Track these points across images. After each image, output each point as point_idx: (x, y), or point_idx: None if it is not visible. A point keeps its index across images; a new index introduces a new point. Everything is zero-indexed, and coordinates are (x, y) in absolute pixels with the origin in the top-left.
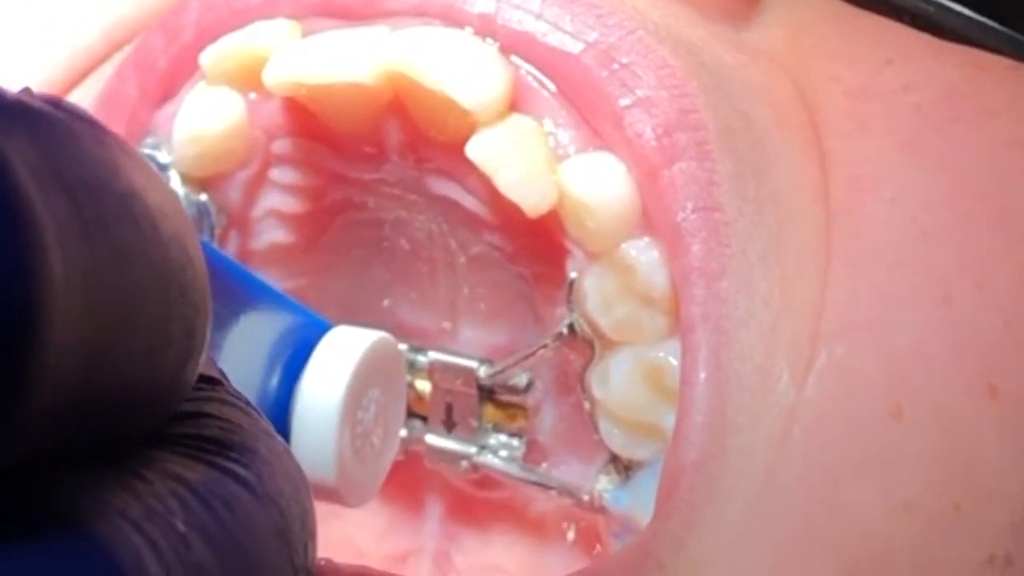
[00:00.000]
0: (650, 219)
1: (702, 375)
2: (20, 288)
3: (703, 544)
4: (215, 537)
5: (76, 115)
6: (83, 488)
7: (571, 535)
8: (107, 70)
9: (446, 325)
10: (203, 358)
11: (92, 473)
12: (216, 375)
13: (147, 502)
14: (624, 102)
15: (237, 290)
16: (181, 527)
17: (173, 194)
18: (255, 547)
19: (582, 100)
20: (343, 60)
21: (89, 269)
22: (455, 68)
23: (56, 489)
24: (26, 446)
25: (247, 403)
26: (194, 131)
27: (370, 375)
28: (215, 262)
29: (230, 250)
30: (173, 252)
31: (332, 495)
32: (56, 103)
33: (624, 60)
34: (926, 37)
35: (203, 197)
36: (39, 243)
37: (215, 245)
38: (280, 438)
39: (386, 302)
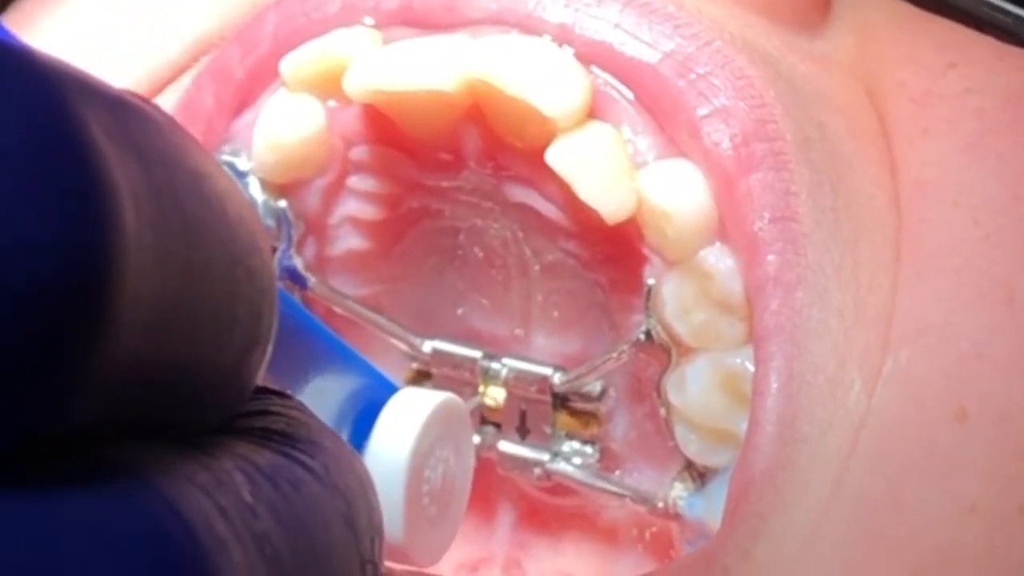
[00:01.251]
0: (726, 227)
1: (774, 386)
2: (94, 236)
3: (770, 552)
4: (282, 513)
5: (148, 102)
6: (151, 454)
7: (643, 543)
8: (184, 82)
9: (519, 332)
10: (269, 352)
11: (160, 446)
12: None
13: (215, 473)
14: (701, 111)
15: (309, 346)
16: (248, 498)
17: (240, 188)
18: (321, 529)
19: (659, 109)
20: (424, 67)
21: (159, 234)
22: (536, 75)
23: (125, 452)
24: (96, 401)
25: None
26: (274, 138)
27: (437, 435)
28: (291, 314)
29: (307, 257)
30: (241, 235)
31: (401, 555)
32: (130, 93)
33: (701, 70)
34: (990, 40)
35: (282, 204)
36: (113, 196)
37: (292, 252)
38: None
39: (460, 310)
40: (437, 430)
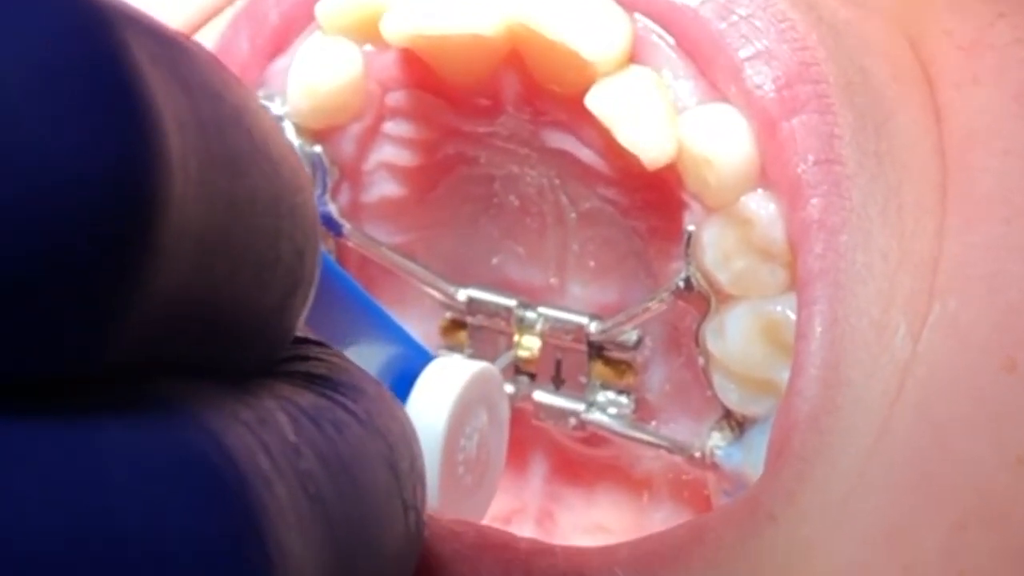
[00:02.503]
0: (769, 173)
1: (818, 329)
2: (141, 159)
3: (814, 497)
4: (325, 454)
5: (191, 40)
6: (195, 390)
7: (678, 495)
8: (219, 25)
9: (554, 281)
10: (311, 295)
11: (203, 384)
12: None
13: (258, 411)
14: (744, 54)
15: (348, 311)
16: (292, 437)
17: (282, 129)
18: (364, 471)
19: (700, 53)
20: (463, 11)
21: (204, 164)
22: (576, 20)
23: (169, 387)
24: (140, 333)
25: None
26: (310, 83)
27: (473, 404)
28: (331, 278)
29: (342, 203)
30: (284, 172)
31: None
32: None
33: (743, 12)
34: None
35: (317, 149)
36: (159, 122)
37: (327, 198)
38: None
39: (494, 259)
40: (473, 400)
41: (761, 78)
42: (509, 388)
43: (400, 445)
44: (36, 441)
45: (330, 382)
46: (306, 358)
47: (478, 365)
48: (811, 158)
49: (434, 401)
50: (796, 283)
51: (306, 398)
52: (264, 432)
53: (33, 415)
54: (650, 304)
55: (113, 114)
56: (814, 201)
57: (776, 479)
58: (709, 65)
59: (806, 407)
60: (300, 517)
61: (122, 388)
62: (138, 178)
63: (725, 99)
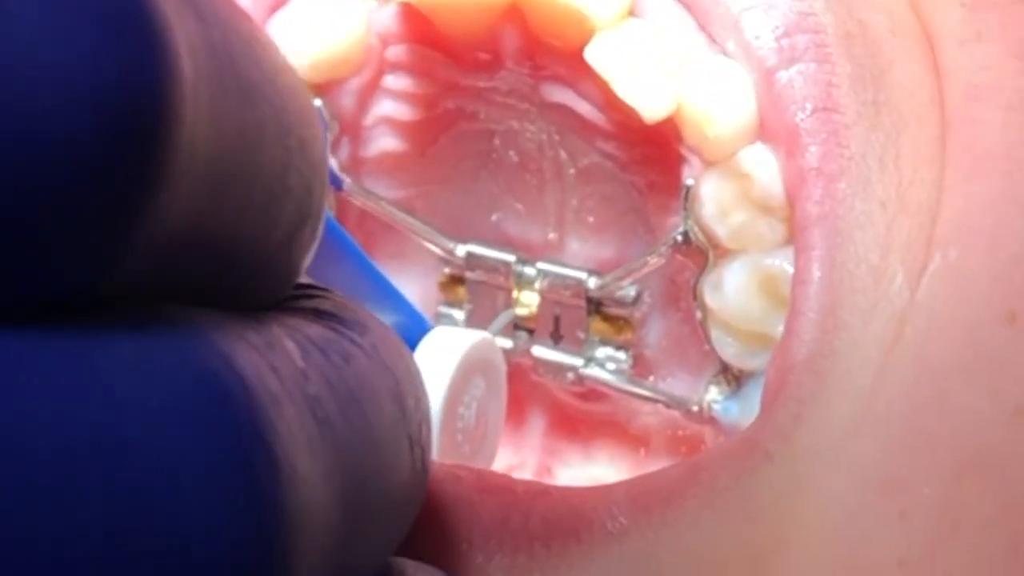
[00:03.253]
0: (767, 125)
1: (816, 274)
2: (153, 77)
3: (810, 438)
4: (332, 381)
5: None
6: (204, 314)
7: (675, 450)
8: None
9: (553, 237)
10: (319, 233)
11: (212, 311)
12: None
13: (266, 336)
14: (742, 4)
15: (348, 275)
16: (300, 362)
17: (291, 63)
18: (371, 402)
19: (699, 5)
20: None
21: (215, 90)
22: None
23: (178, 311)
24: (151, 256)
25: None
26: (310, 37)
27: (471, 374)
28: (334, 239)
29: (341, 158)
30: (293, 105)
31: None
32: None
33: None
34: None
35: (317, 103)
36: (171, 43)
37: (327, 152)
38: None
39: (494, 215)
40: (470, 370)
41: (759, 28)
42: (507, 343)
43: (406, 381)
44: (43, 354)
45: (337, 318)
46: (312, 296)
47: (476, 335)
48: (809, 107)
49: (432, 371)
50: (794, 229)
51: (313, 329)
52: (272, 355)
53: (41, 332)
54: (648, 258)
55: (126, 32)
56: (812, 149)
57: (772, 419)
58: (707, 17)
59: (803, 350)
60: (309, 438)
61: (131, 309)
62: (149, 97)
63: (724, 52)
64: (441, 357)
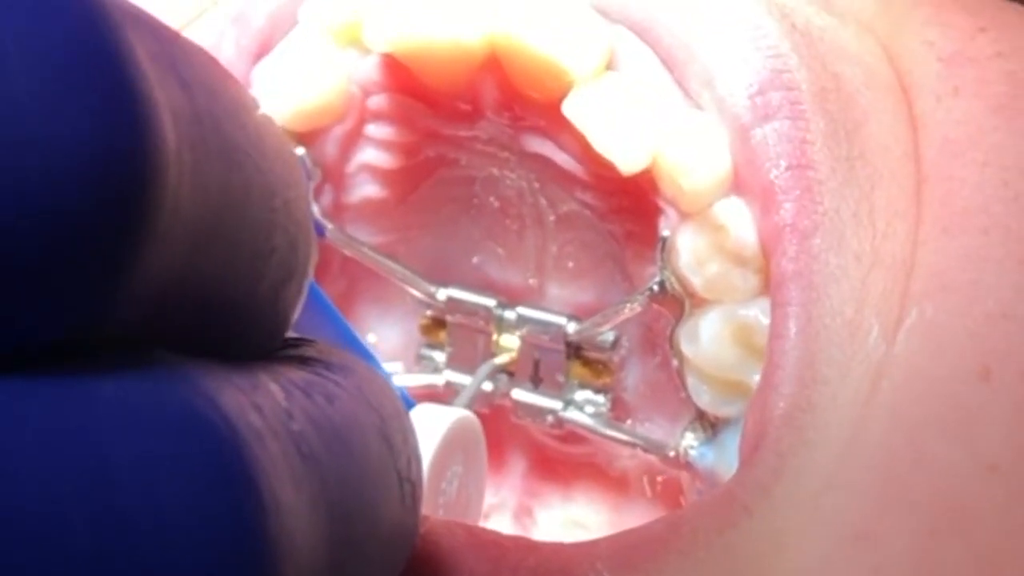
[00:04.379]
0: (742, 179)
1: (793, 329)
2: (135, 140)
3: (788, 492)
4: (317, 419)
5: (191, 40)
6: (191, 359)
7: (653, 492)
8: (201, 25)
9: (533, 282)
10: (304, 289)
11: (197, 358)
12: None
13: (250, 379)
14: (717, 60)
15: (325, 337)
16: (284, 402)
17: (277, 126)
18: (356, 438)
19: (675, 61)
20: (443, 19)
21: (199, 153)
22: (553, 28)
23: (163, 355)
24: (138, 306)
25: None
26: (293, 86)
27: (453, 451)
28: (315, 306)
29: (324, 204)
30: (279, 167)
31: None
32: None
33: (716, 21)
34: (1017, 7)
35: (300, 151)
36: (154, 112)
37: (310, 199)
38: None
39: (474, 259)
40: (452, 448)
41: (733, 85)
42: (488, 386)
43: (392, 419)
44: (33, 394)
45: (321, 363)
46: (298, 346)
47: (456, 412)
48: (783, 163)
49: None
50: (769, 285)
51: (297, 374)
52: (256, 395)
53: (31, 375)
54: (626, 306)
55: (110, 103)
56: (787, 206)
57: (751, 472)
58: (683, 72)
59: (782, 403)
60: (293, 472)
61: (119, 354)
62: (132, 164)
63: (699, 107)
64: (422, 437)
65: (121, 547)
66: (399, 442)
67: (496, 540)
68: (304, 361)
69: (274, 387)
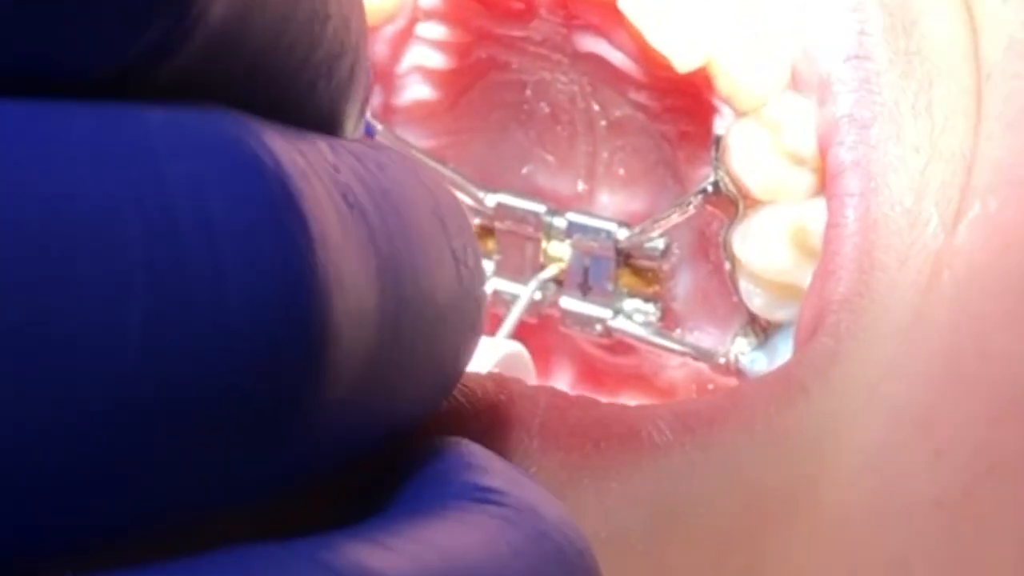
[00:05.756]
0: (799, 73)
1: (851, 217)
2: None
3: (846, 375)
4: (365, 179)
5: None
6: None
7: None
8: None
9: (583, 189)
10: (359, 75)
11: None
12: None
13: (296, 132)
14: None
15: None
16: (331, 157)
17: None
18: (408, 206)
19: None
20: None
21: None
22: None
23: (210, 101)
24: (199, 42)
25: None
26: None
27: None
28: None
29: (374, 105)
30: None
31: None
32: None
33: None
34: None
35: None
36: None
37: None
38: None
39: (524, 167)
40: None
41: None
42: (536, 295)
43: (449, 207)
44: (85, 112)
45: (379, 146)
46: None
47: (506, 346)
48: (842, 55)
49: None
50: (826, 176)
51: (348, 143)
52: (301, 143)
53: (84, 99)
54: (678, 208)
55: None
56: (845, 96)
57: (808, 355)
58: None
59: (840, 288)
60: (339, 215)
61: (166, 95)
62: None
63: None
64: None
65: (173, 255)
66: (454, 227)
67: (562, 392)
68: (359, 142)
69: (321, 144)
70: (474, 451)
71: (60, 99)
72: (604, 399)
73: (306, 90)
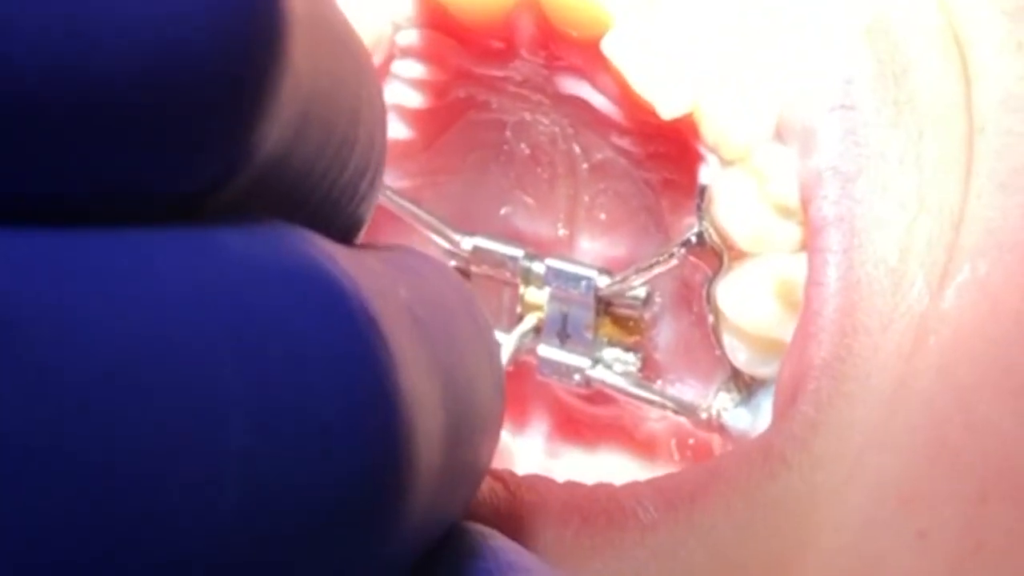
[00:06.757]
0: (785, 123)
1: (833, 276)
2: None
3: (828, 445)
4: (418, 290)
5: None
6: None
7: (682, 457)
8: None
9: (563, 234)
10: (377, 186)
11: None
12: None
13: (349, 248)
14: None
15: None
16: (387, 272)
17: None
18: (451, 314)
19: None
20: None
21: (315, 32)
22: None
23: (271, 218)
24: (250, 170)
25: None
26: None
27: None
28: None
29: None
30: (365, 59)
31: None
32: None
33: None
34: None
35: None
36: None
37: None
38: None
39: (503, 209)
40: None
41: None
42: (513, 342)
43: (475, 304)
44: (165, 246)
45: (402, 249)
46: (373, 245)
47: None
48: (827, 104)
49: None
50: (809, 230)
51: (385, 254)
52: (361, 260)
53: (156, 227)
54: (661, 258)
55: None
56: (829, 147)
57: (789, 424)
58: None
59: (821, 352)
60: (409, 335)
61: (232, 213)
62: (268, 23)
63: (741, 45)
64: None
65: (267, 393)
66: (485, 325)
67: (541, 479)
68: (384, 249)
69: (369, 259)
70: (507, 548)
71: (139, 226)
72: (582, 451)
73: (334, 205)
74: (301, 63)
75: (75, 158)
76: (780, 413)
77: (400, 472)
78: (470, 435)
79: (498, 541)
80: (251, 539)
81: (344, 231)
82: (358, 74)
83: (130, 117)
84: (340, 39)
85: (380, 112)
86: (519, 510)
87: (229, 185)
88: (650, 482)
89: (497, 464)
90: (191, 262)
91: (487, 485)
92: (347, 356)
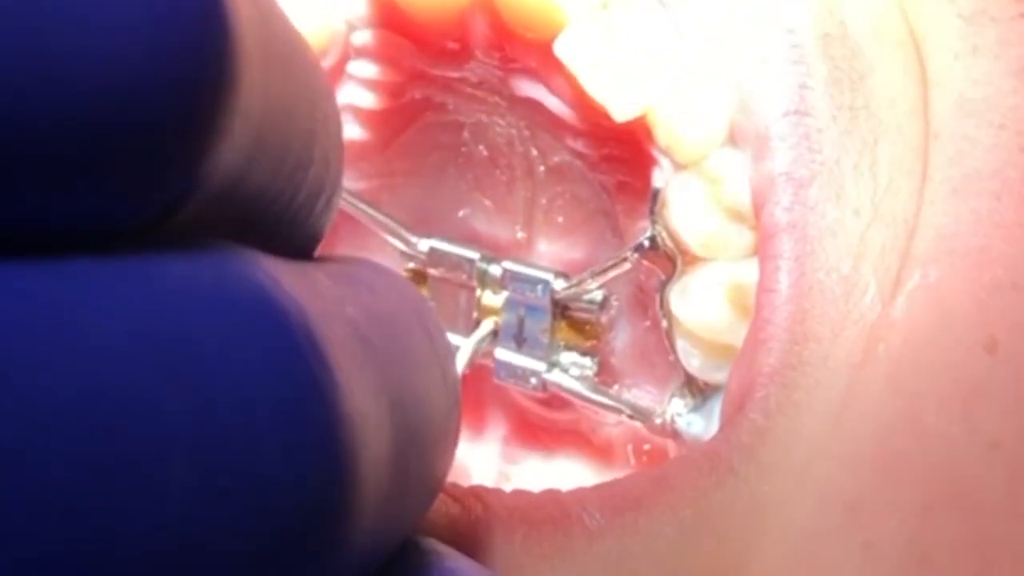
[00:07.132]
0: (738, 127)
1: (784, 283)
2: (215, 42)
3: (775, 455)
4: (367, 307)
5: None
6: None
7: (638, 462)
8: None
9: (521, 236)
10: (333, 208)
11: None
12: None
13: (300, 267)
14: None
15: None
16: (334, 289)
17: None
18: (402, 329)
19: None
20: None
21: (266, 52)
22: None
23: (221, 242)
24: (204, 195)
25: None
26: None
27: None
28: None
29: None
30: (319, 80)
31: None
32: None
33: None
34: None
35: None
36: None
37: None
38: None
39: (461, 212)
40: None
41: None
42: (471, 347)
43: (427, 316)
44: (107, 274)
45: (356, 262)
46: (325, 259)
47: None
48: (780, 109)
49: None
50: (760, 235)
51: (336, 268)
52: (310, 281)
53: (101, 256)
54: (614, 262)
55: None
56: (782, 153)
57: (736, 432)
58: (679, 13)
59: (770, 359)
60: (355, 356)
61: (179, 242)
62: (217, 52)
63: (696, 48)
64: None
65: (207, 422)
66: (438, 337)
67: (489, 489)
68: (338, 262)
69: (319, 275)
70: (461, 565)
71: (81, 256)
72: (539, 456)
73: (289, 224)
74: (252, 90)
75: (16, 192)
76: (728, 420)
77: (343, 494)
78: (421, 451)
79: (454, 560)
80: (197, 569)
81: (300, 245)
82: (312, 95)
83: (76, 152)
84: (294, 61)
85: (336, 131)
86: (469, 521)
87: (179, 212)
88: (596, 488)
89: (453, 471)
90: (129, 293)
91: (437, 498)
92: (287, 382)
